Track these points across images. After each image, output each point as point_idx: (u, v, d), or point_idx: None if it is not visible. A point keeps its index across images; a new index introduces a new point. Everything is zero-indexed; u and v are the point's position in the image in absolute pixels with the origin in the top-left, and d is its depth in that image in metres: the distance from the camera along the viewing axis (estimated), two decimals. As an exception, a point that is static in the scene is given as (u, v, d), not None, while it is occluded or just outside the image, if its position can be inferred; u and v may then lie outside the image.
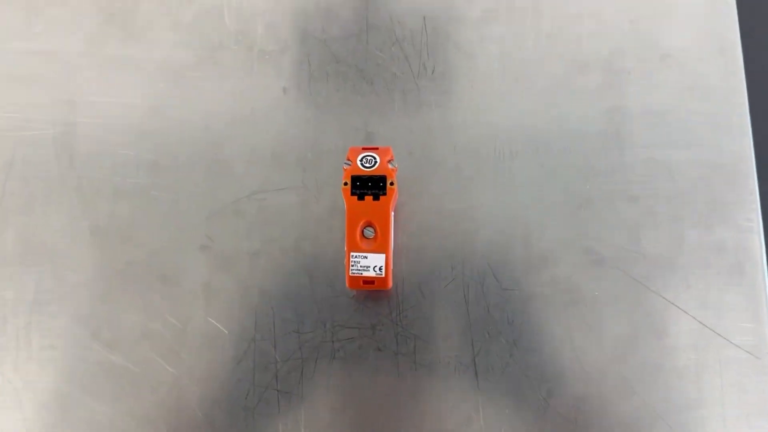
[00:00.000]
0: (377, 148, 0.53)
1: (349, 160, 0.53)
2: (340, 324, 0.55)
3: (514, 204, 0.57)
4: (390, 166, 0.52)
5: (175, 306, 0.56)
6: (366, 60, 0.60)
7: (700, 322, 0.55)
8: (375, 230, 0.51)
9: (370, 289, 0.52)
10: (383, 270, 0.51)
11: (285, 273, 0.56)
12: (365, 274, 0.51)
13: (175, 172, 0.58)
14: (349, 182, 0.51)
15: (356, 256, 0.51)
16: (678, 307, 0.55)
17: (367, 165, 0.52)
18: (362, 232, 0.52)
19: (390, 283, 0.52)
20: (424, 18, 0.61)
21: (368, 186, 0.51)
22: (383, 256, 0.51)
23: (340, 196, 0.55)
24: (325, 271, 0.56)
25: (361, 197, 0.51)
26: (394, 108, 0.59)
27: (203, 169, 0.58)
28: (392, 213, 0.52)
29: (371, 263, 0.51)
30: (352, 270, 0.51)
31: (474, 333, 0.55)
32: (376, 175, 0.51)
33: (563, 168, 0.58)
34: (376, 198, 0.51)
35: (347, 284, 0.52)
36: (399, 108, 0.59)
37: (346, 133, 0.59)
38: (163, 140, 0.59)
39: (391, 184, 0.51)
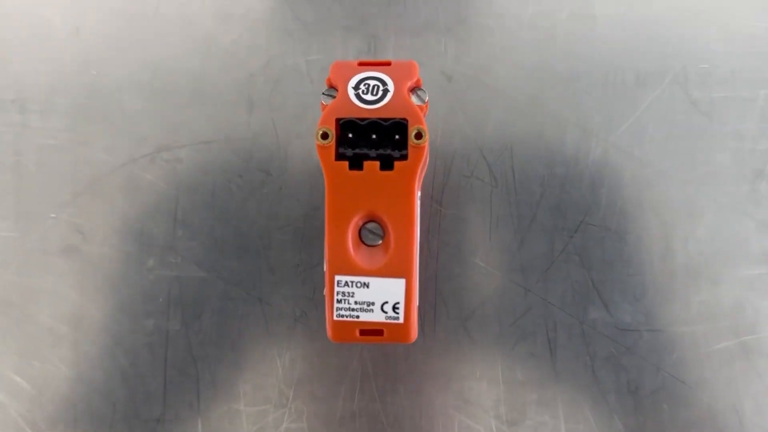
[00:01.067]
0: (389, 63, 0.26)
1: (332, 86, 0.26)
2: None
3: (645, 170, 0.31)
4: (415, 99, 0.26)
5: (25, 353, 0.31)
6: None
7: None
8: (384, 230, 0.25)
9: (376, 342, 0.27)
10: (401, 309, 0.25)
11: (212, 302, 0.31)
12: (365, 317, 0.25)
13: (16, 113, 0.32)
14: (332, 133, 0.25)
15: (347, 283, 0.25)
16: None
17: (371, 97, 0.25)
18: (359, 232, 0.26)
19: (414, 334, 0.26)
20: None
21: (372, 141, 0.25)
22: (402, 282, 0.25)
23: (314, 159, 0.29)
24: (285, 300, 0.31)
25: (356, 164, 0.25)
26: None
27: (69, 107, 0.32)
28: (418, 194, 0.26)
29: (378, 296, 0.25)
30: (338, 310, 0.25)
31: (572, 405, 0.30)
32: (387, 119, 0.25)
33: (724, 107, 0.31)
34: (387, 165, 0.25)
35: (329, 334, 0.26)
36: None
37: (331, 37, 0.32)
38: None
39: (419, 136, 0.25)
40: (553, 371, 0.30)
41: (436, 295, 0.31)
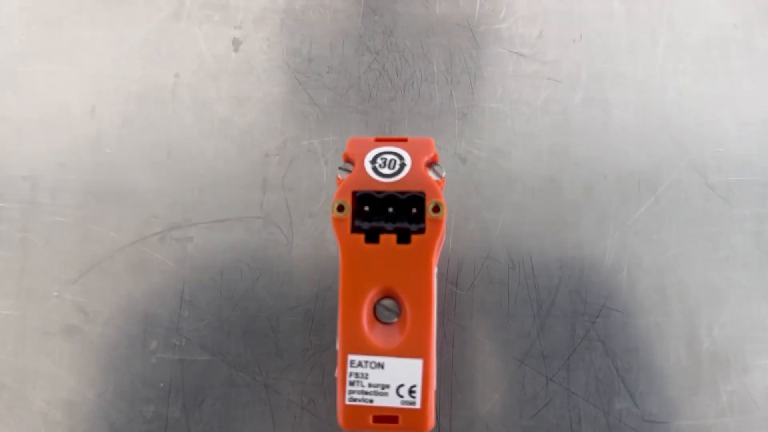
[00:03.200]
0: (405, 140, 0.26)
1: (348, 160, 0.26)
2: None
3: (666, 254, 0.30)
4: (432, 174, 0.25)
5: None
6: None
7: None
8: (401, 306, 0.24)
9: (390, 431, 0.25)
10: (418, 393, 0.24)
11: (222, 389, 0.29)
12: (379, 402, 0.24)
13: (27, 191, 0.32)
14: (348, 206, 0.25)
15: (360, 363, 0.24)
16: None
17: (387, 170, 0.25)
18: (374, 309, 0.25)
19: (432, 421, 0.24)
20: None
21: (389, 215, 0.25)
22: (419, 363, 0.24)
23: (329, 234, 0.28)
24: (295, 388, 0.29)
25: (372, 237, 0.24)
26: (435, 80, 0.33)
27: (80, 184, 0.32)
28: (435, 270, 0.25)
29: (393, 379, 0.24)
30: (350, 393, 0.24)
31: None
32: (405, 193, 0.25)
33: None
34: (404, 239, 0.24)
35: (340, 421, 0.24)
36: (444, 80, 0.33)
37: (347, 121, 0.32)
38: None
39: (437, 209, 0.24)
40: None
41: (453, 383, 0.29)
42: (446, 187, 0.28)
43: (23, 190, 0.32)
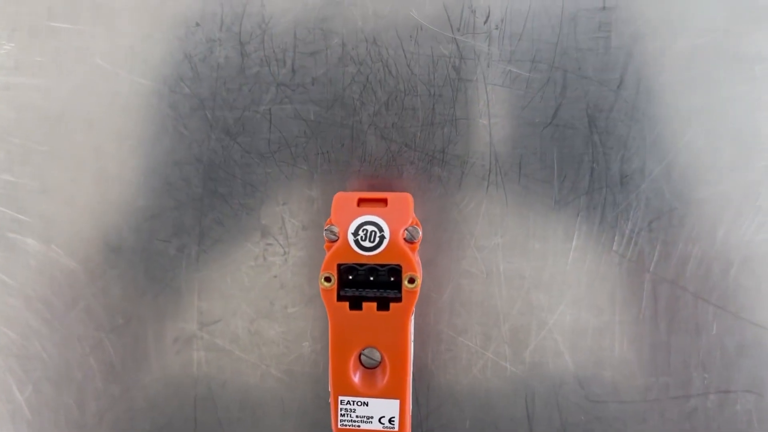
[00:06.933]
0: (385, 202, 0.29)
1: (333, 224, 0.29)
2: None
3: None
4: (408, 237, 0.28)
5: None
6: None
7: None
8: (382, 356, 0.29)
9: (374, 439, 0.31)
10: (396, 422, 0.29)
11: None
12: (365, 427, 0.30)
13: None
14: (334, 277, 0.28)
15: (348, 402, 0.29)
16: None
17: (368, 243, 0.28)
18: (359, 357, 0.29)
19: (408, 433, 0.30)
20: None
21: (369, 283, 0.28)
22: (397, 402, 0.29)
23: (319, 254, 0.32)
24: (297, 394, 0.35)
25: (356, 305, 0.28)
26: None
27: (87, 198, 0.34)
28: (412, 326, 0.29)
29: (376, 412, 0.29)
30: (342, 421, 0.30)
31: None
32: (383, 265, 0.28)
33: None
34: (383, 306, 0.28)
35: (334, 433, 0.30)
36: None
37: (338, 140, 0.34)
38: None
39: (412, 281, 0.28)
40: None
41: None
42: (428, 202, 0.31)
43: (40, 203, 0.34)
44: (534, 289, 0.34)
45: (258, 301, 0.35)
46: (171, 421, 0.36)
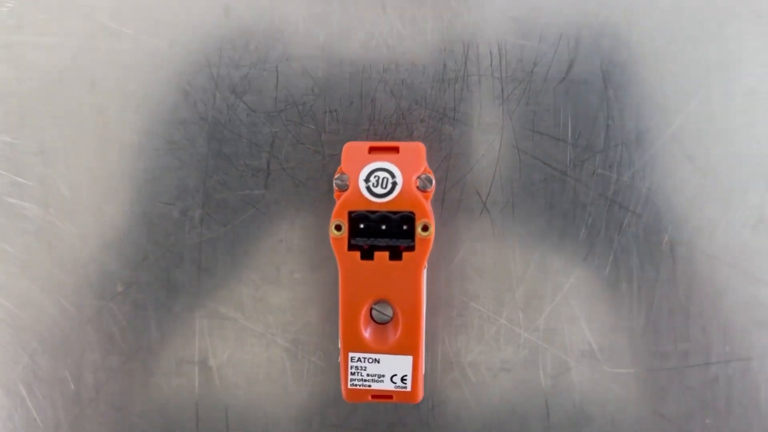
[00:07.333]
0: (397, 149, 0.28)
1: (344, 172, 0.28)
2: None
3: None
4: (421, 185, 0.27)
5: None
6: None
7: None
8: (393, 310, 0.28)
9: (386, 402, 0.30)
10: (409, 380, 0.28)
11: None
12: (376, 386, 0.28)
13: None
14: (345, 226, 0.27)
15: (359, 359, 0.28)
16: None
17: (380, 190, 0.27)
18: (370, 311, 0.28)
19: (420, 395, 0.29)
20: None
21: (381, 232, 0.27)
22: (410, 359, 0.28)
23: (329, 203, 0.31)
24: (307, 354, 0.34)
25: (367, 254, 0.27)
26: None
27: (87, 161, 0.34)
28: (425, 276, 0.28)
29: (387, 370, 0.28)
30: (352, 380, 0.28)
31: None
32: (396, 212, 0.27)
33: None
34: (395, 256, 0.27)
35: (344, 395, 0.29)
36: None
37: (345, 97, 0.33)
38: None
39: (425, 229, 0.27)
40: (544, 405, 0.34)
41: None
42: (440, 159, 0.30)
43: (37, 165, 0.33)
44: (549, 252, 0.33)
45: (264, 266, 0.34)
46: (172, 393, 0.34)
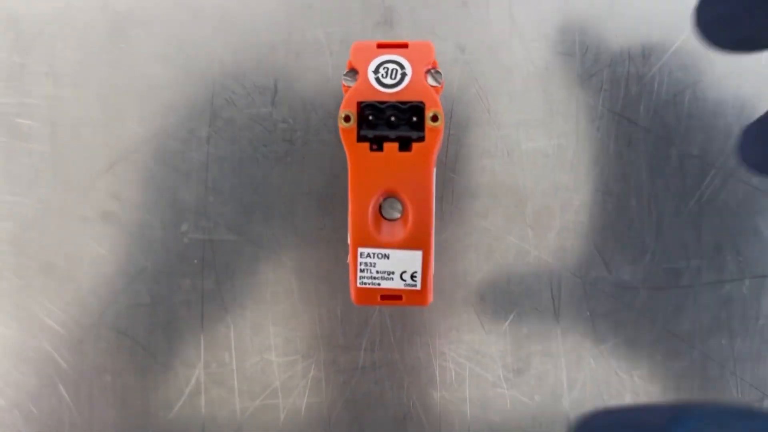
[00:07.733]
0: (406, 45, 0.28)
1: (353, 68, 0.28)
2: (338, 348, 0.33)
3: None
4: (431, 80, 0.27)
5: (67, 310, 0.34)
6: None
7: None
8: (403, 205, 0.27)
9: (394, 305, 0.30)
10: (419, 278, 0.28)
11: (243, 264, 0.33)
12: (385, 285, 0.28)
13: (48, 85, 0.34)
14: (353, 116, 0.27)
15: (368, 255, 0.28)
16: None
17: (389, 80, 0.27)
18: (379, 208, 0.28)
19: (430, 297, 0.29)
20: None
21: (391, 123, 0.27)
22: (419, 254, 0.28)
23: (334, 130, 0.31)
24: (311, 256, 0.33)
25: (377, 146, 0.27)
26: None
27: (96, 82, 0.34)
28: (435, 171, 0.28)
29: (397, 267, 0.28)
30: (361, 278, 0.28)
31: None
32: (406, 103, 0.27)
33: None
34: (405, 147, 0.27)
35: (353, 299, 0.29)
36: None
37: (350, 13, 0.33)
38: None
39: (435, 118, 0.27)
40: (556, 324, 0.33)
41: (447, 257, 0.33)
42: (446, 77, 0.30)
43: (47, 86, 0.33)
44: (558, 168, 0.33)
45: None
46: (175, 311, 0.34)
